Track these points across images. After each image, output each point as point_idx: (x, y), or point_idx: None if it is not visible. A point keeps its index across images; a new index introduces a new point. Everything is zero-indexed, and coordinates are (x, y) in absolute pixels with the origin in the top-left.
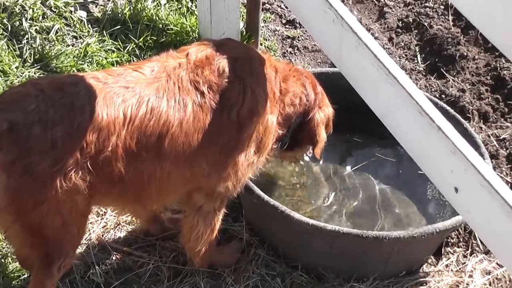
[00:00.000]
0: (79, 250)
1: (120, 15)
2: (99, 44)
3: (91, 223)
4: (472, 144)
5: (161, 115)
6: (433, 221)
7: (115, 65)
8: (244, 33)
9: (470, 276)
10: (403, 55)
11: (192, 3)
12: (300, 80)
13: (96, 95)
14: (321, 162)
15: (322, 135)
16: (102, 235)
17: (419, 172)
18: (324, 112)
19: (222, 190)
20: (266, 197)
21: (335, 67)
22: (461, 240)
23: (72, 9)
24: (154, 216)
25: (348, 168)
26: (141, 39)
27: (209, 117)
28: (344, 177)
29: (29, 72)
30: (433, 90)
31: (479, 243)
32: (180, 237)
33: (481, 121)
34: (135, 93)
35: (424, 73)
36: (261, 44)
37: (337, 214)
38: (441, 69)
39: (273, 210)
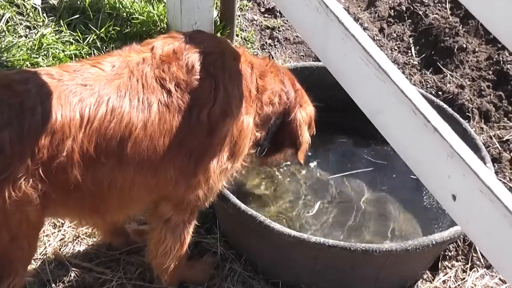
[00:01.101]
0: (34, 266)
1: (79, 2)
2: (56, 35)
3: (46, 235)
4: (472, 146)
5: (123, 116)
6: (429, 231)
7: (73, 58)
8: (218, 23)
9: None
10: (395, 48)
11: None
12: (278, 77)
13: (49, 94)
14: (304, 167)
15: (306, 137)
16: (59, 249)
17: (413, 176)
18: (306, 111)
19: (192, 199)
20: (243, 206)
21: (319, 61)
22: (460, 253)
23: None
24: (117, 228)
25: (334, 173)
26: (102, 30)
27: (176, 118)
28: (330, 183)
29: None
30: (428, 86)
31: (480, 256)
32: (147, 252)
33: (482, 120)
34: (93, 92)
35: (418, 68)
36: (237, 35)
37: (323, 225)
38: (438, 63)
39: (251, 220)
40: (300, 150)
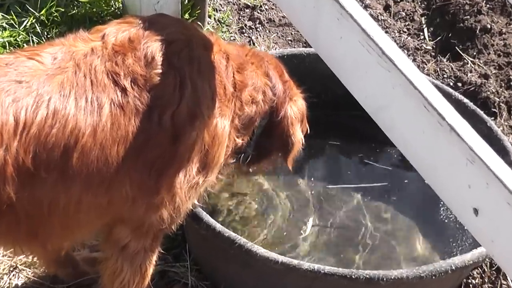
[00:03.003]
0: None
1: None
2: None
3: None
4: (498, 149)
5: (68, 120)
6: (446, 254)
7: (7, 48)
8: (186, 1)
9: None
10: (405, 30)
11: None
12: (262, 68)
13: None
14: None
15: (298, 136)
16: None
17: (425, 183)
18: (297, 105)
19: (154, 222)
20: (219, 226)
21: (311, 47)
22: (486, 280)
23: None
24: (63, 256)
25: (330, 184)
26: (43, 12)
27: (133, 122)
28: (325, 197)
29: None
30: (445, 76)
31: (511, 284)
32: (100, 286)
33: (511, 117)
34: (31, 90)
35: (433, 54)
36: (209, 17)
37: (317, 248)
38: (456, 48)
39: (229, 243)
40: (291, 152)
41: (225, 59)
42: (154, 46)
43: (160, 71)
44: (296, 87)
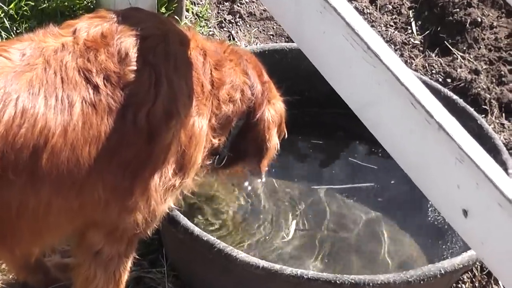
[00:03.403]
0: None
1: None
2: None
3: None
4: (489, 148)
5: (37, 119)
6: (436, 256)
7: None
8: None
9: None
10: (391, 23)
11: None
12: (240, 66)
13: None
14: (263, 179)
15: (274, 141)
16: None
17: (412, 183)
18: (275, 108)
19: (129, 226)
20: (197, 230)
21: (293, 42)
22: (476, 285)
23: None
24: (34, 262)
25: (314, 185)
26: (12, 6)
27: (106, 121)
28: (309, 199)
29: None
30: (434, 72)
31: None
32: None
33: (503, 115)
34: None
35: (421, 49)
36: (187, 11)
37: (301, 252)
38: (445, 42)
39: (208, 247)
40: (265, 157)
41: (202, 55)
42: (128, 42)
43: (134, 67)
44: (276, 89)
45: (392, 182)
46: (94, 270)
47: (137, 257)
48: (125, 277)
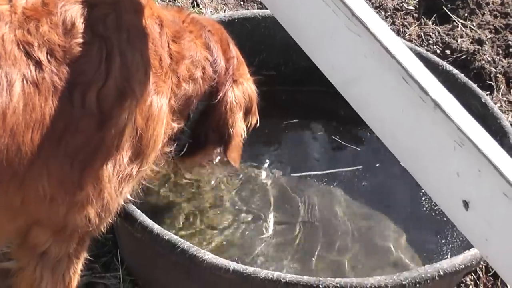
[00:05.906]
0: None
1: None
2: None
3: None
4: (494, 130)
5: None
6: (433, 256)
7: None
8: None
9: None
10: None
11: None
12: (201, 39)
13: None
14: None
15: (239, 128)
16: None
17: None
18: (242, 90)
19: (79, 223)
20: (157, 228)
21: (267, 8)
22: (481, 287)
23: None
24: None
25: (294, 173)
26: None
27: (50, 103)
28: (286, 186)
29: None
30: (431, 42)
31: None
32: None
33: (511, 91)
34: None
35: (416, 15)
36: None
37: (280, 252)
38: (444, 8)
39: (170, 248)
40: (230, 147)
41: (159, 25)
42: (74, 10)
43: (82, 40)
44: (246, 66)
45: (377, 165)
46: (40, 273)
47: (89, 258)
48: (75, 281)
